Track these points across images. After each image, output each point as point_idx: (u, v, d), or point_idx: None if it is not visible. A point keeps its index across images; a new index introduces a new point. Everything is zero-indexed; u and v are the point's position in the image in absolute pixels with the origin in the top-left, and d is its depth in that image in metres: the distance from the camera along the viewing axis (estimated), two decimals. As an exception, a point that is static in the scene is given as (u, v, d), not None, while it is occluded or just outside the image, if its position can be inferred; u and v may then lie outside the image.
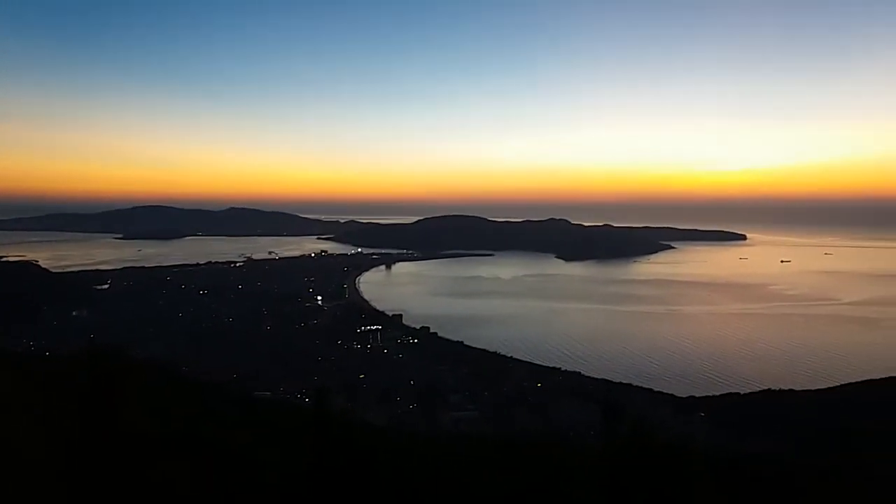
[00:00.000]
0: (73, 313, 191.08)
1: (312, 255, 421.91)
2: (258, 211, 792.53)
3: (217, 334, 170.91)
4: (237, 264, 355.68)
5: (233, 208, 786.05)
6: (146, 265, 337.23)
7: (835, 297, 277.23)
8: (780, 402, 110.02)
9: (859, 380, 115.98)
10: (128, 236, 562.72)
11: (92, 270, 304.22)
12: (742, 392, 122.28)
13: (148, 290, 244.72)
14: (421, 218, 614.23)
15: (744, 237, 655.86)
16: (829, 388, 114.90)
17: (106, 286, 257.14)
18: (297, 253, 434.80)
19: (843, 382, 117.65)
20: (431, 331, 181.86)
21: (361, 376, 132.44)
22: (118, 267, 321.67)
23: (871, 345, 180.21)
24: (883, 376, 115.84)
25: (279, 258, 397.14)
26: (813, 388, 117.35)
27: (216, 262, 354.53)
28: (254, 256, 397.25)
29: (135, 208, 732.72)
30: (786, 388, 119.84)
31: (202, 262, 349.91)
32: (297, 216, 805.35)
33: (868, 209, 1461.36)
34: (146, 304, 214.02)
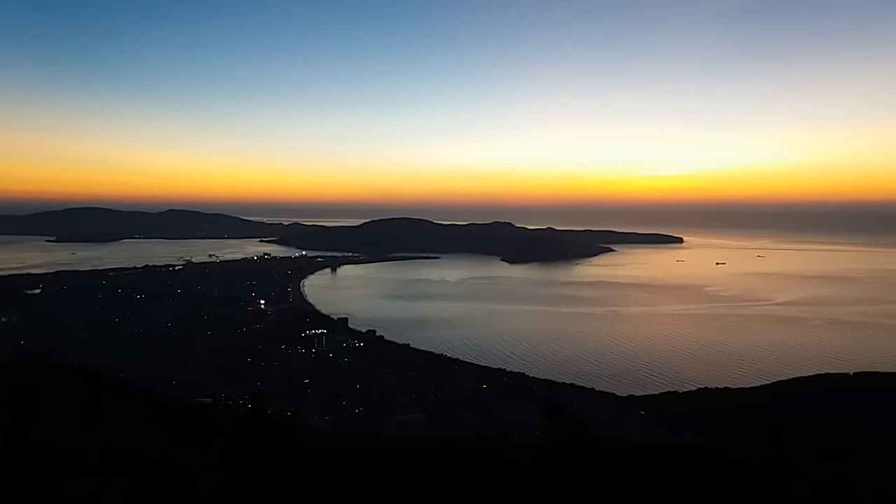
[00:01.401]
0: (3, 319, 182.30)
1: (255, 258, 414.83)
2: (198, 213, 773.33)
3: (155, 340, 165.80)
4: (176, 268, 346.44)
5: (171, 210, 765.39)
6: (81, 269, 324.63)
7: (767, 297, 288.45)
8: (715, 399, 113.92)
9: (790, 377, 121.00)
10: (61, 239, 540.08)
11: (23, 275, 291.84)
12: (680, 390, 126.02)
13: (83, 294, 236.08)
14: (367, 220, 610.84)
15: (681, 240, 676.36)
16: (763, 386, 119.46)
17: (38, 291, 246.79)
18: (238, 256, 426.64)
19: (775, 380, 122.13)
20: (378, 334, 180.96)
21: (306, 381, 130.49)
22: (51, 271, 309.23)
23: (801, 343, 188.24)
24: (812, 374, 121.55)
25: (220, 261, 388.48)
26: (747, 386, 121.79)
27: (154, 266, 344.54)
28: (193, 259, 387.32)
29: (68, 210, 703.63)
30: (721, 387, 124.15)
31: (139, 266, 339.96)
32: (238, 218, 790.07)
33: (798, 213, 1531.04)
34: (81, 309, 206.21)
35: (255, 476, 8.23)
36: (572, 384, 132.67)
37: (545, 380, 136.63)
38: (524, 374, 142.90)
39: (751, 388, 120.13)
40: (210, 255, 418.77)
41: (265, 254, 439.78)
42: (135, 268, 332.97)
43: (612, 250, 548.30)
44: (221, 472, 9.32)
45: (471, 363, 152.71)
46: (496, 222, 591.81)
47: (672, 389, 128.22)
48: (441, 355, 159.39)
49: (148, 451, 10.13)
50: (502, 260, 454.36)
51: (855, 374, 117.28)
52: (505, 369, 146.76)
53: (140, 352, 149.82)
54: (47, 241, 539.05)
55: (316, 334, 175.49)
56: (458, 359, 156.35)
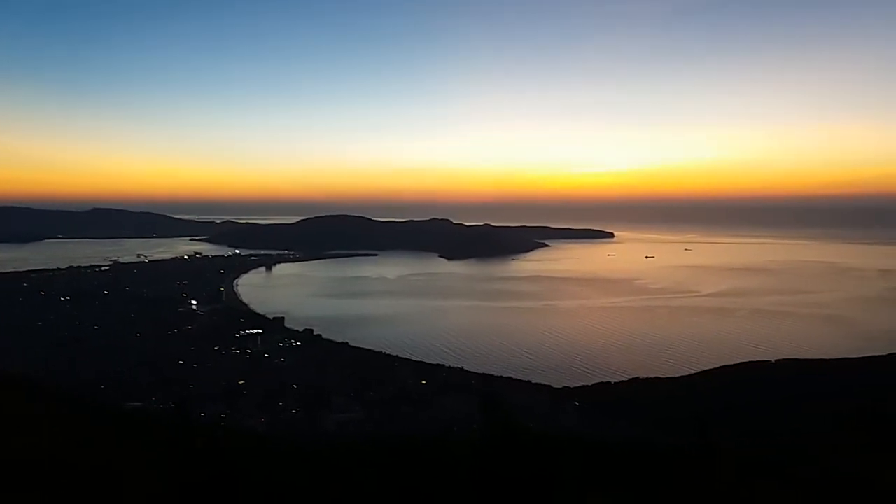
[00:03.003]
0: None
1: (185, 257, 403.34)
2: (125, 211, 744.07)
3: (81, 343, 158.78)
4: (103, 268, 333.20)
5: (97, 209, 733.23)
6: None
7: (694, 289, 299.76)
8: (647, 389, 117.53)
9: (716, 366, 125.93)
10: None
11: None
12: (612, 381, 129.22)
13: (2, 297, 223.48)
14: (302, 218, 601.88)
15: (612, 235, 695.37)
16: (691, 375, 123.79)
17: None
18: (168, 255, 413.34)
19: (702, 369, 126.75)
20: (315, 333, 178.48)
21: (241, 382, 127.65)
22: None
23: (727, 333, 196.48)
24: (737, 362, 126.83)
25: (149, 261, 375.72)
26: (676, 375, 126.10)
27: (79, 267, 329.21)
28: (121, 260, 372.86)
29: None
30: (652, 376, 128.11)
31: (63, 267, 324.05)
32: (167, 217, 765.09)
33: (723, 208, 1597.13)
34: (0, 312, 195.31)
35: (183, 482, 8.01)
36: (509, 377, 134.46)
37: (483, 374, 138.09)
38: (463, 368, 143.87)
39: (680, 376, 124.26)
40: (138, 255, 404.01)
41: (196, 253, 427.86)
42: (58, 269, 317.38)
43: (547, 245, 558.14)
44: (151, 479, 9.04)
45: (410, 359, 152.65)
46: (434, 219, 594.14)
47: (605, 380, 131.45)
48: (380, 352, 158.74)
49: (75, 458, 9.74)
50: (440, 256, 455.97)
51: (776, 361, 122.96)
52: (444, 365, 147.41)
53: (66, 356, 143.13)
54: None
55: (251, 334, 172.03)
56: (397, 356, 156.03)
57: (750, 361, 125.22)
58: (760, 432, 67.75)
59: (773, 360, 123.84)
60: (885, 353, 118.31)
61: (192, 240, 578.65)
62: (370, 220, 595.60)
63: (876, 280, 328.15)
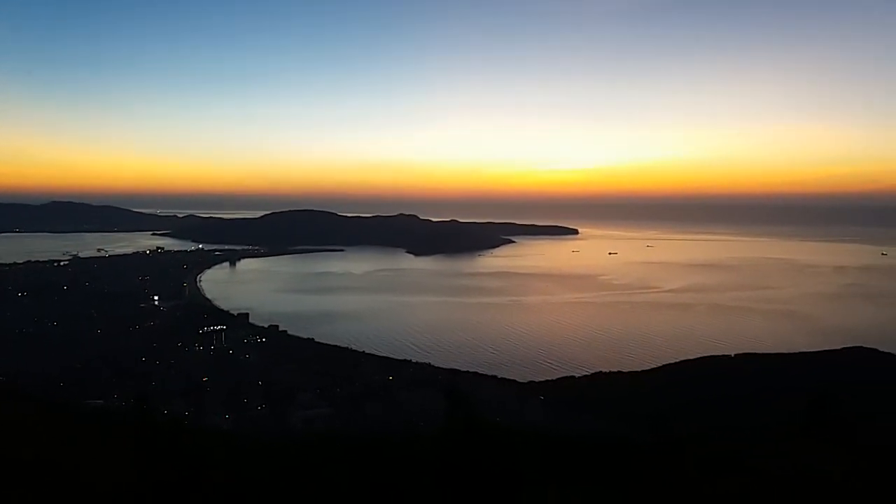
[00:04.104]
0: None
1: (147, 251, 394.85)
2: (85, 205, 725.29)
3: (40, 339, 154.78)
4: (61, 263, 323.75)
5: (55, 202, 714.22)
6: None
7: (656, 285, 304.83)
8: (610, 383, 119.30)
9: (677, 360, 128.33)
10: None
11: None
12: (576, 375, 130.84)
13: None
14: (267, 212, 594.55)
15: (576, 231, 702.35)
16: (653, 369, 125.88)
17: None
18: (129, 250, 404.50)
19: (664, 363, 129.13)
20: (280, 329, 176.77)
21: (205, 379, 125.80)
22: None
23: (688, 328, 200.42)
24: (697, 356, 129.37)
25: (109, 256, 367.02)
26: (638, 370, 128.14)
27: (37, 261, 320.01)
28: (80, 254, 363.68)
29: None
30: (615, 371, 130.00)
31: (20, 262, 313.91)
32: (129, 210, 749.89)
33: (684, 206, 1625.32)
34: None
35: (144, 480, 7.88)
36: (475, 372, 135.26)
37: (450, 369, 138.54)
38: (430, 364, 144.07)
39: (642, 371, 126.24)
40: (98, 250, 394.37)
41: (158, 247, 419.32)
42: (15, 263, 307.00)
43: (513, 242, 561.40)
44: (111, 477, 8.87)
45: (377, 355, 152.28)
46: (401, 214, 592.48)
47: (569, 374, 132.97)
48: (347, 348, 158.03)
49: (33, 456, 9.51)
50: (407, 252, 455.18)
51: (735, 355, 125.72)
52: (411, 360, 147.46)
53: (24, 353, 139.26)
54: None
55: (215, 331, 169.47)
56: (363, 351, 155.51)
57: (710, 356, 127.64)
58: (720, 425, 69.33)
59: (732, 355, 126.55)
60: (839, 347, 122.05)
61: (153, 234, 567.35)
62: (336, 215, 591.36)
63: (832, 276, 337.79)
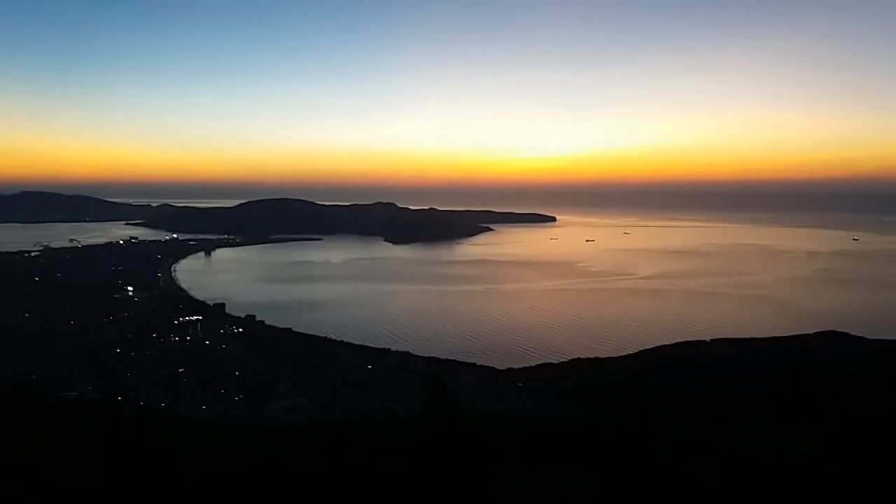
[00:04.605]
0: None
1: (121, 242, 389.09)
2: (56, 195, 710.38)
3: (12, 331, 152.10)
4: (33, 254, 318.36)
5: (25, 192, 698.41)
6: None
7: (633, 272, 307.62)
8: (587, 369, 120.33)
9: (654, 346, 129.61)
10: None
11: None
12: (554, 362, 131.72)
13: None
14: (243, 201, 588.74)
15: (554, 219, 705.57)
16: (630, 355, 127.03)
17: None
18: (102, 240, 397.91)
19: (641, 349, 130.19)
20: (258, 319, 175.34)
21: (181, 370, 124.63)
22: None
23: (664, 314, 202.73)
24: (674, 342, 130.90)
25: (82, 246, 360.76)
26: (615, 356, 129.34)
27: (7, 252, 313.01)
28: (52, 245, 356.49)
29: None
30: (592, 357, 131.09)
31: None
32: (101, 200, 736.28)
33: (660, 192, 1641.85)
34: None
35: (116, 472, 7.70)
36: (455, 360, 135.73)
37: (429, 357, 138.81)
38: (409, 352, 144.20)
39: (619, 356, 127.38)
40: (71, 240, 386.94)
41: (132, 237, 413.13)
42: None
43: (491, 229, 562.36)
44: (83, 469, 8.68)
45: (356, 344, 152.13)
46: (379, 203, 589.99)
47: (547, 361, 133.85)
48: (325, 338, 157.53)
49: (5, 450, 9.25)
50: (386, 240, 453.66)
51: (711, 340, 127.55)
52: (390, 349, 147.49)
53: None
54: None
55: (190, 321, 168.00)
56: (342, 341, 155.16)
57: (686, 341, 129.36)
58: (696, 409, 70.34)
59: (707, 340, 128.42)
60: (812, 332, 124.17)
61: (127, 224, 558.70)
62: (314, 203, 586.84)
63: (805, 262, 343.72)
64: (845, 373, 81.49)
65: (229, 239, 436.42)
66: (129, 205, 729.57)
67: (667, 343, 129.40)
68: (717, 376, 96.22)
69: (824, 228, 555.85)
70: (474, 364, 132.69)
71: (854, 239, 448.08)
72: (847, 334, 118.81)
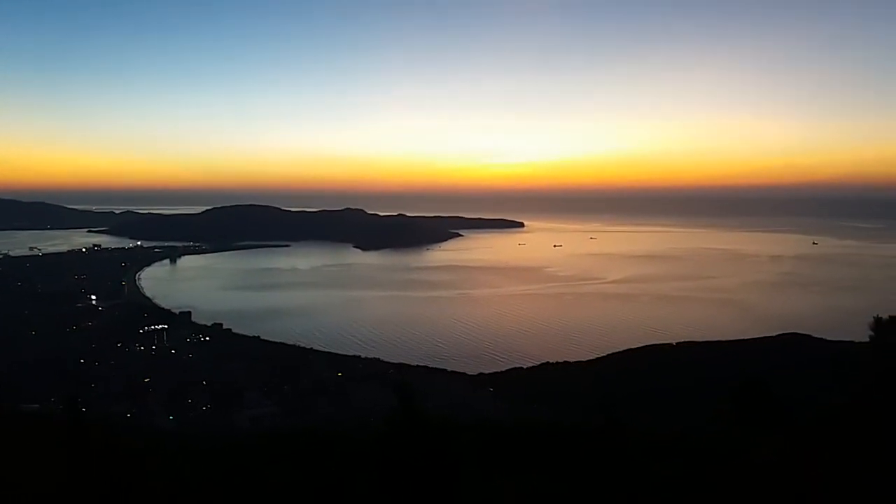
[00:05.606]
0: None
1: (83, 249, 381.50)
2: (15, 202, 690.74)
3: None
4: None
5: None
6: None
7: (600, 276, 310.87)
8: (557, 373, 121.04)
9: (621, 349, 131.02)
10: None
11: None
12: (525, 366, 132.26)
13: None
14: (209, 208, 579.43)
15: (522, 225, 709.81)
16: (598, 359, 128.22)
17: None
18: (64, 248, 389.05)
19: (609, 352, 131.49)
20: (225, 327, 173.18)
21: (147, 379, 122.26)
22: None
23: (631, 318, 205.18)
24: (641, 345, 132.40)
25: (43, 254, 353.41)
26: (584, 360, 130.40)
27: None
28: (11, 253, 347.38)
29: None
30: (561, 361, 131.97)
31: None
32: (62, 207, 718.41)
33: (625, 198, 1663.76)
34: None
35: (80, 487, 7.52)
36: (425, 366, 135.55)
37: (399, 363, 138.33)
38: (379, 359, 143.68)
39: (587, 360, 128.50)
40: (31, 248, 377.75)
41: (95, 245, 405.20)
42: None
43: (461, 235, 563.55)
44: (43, 482, 8.45)
45: (325, 352, 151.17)
46: (348, 209, 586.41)
47: (517, 366, 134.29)
48: (294, 345, 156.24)
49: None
50: (355, 247, 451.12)
51: (677, 343, 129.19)
52: (360, 356, 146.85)
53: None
54: None
55: (156, 330, 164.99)
56: (311, 348, 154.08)
57: (653, 345, 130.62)
58: (663, 411, 71.21)
59: (674, 343, 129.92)
60: (775, 334, 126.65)
61: (89, 231, 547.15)
62: (281, 209, 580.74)
63: (768, 265, 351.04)
64: (808, 374, 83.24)
65: (195, 246, 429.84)
66: (92, 212, 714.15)
67: (634, 346, 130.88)
68: (683, 379, 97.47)
69: (786, 233, 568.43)
70: (445, 370, 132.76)
71: (814, 243, 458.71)
72: (809, 336, 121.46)
